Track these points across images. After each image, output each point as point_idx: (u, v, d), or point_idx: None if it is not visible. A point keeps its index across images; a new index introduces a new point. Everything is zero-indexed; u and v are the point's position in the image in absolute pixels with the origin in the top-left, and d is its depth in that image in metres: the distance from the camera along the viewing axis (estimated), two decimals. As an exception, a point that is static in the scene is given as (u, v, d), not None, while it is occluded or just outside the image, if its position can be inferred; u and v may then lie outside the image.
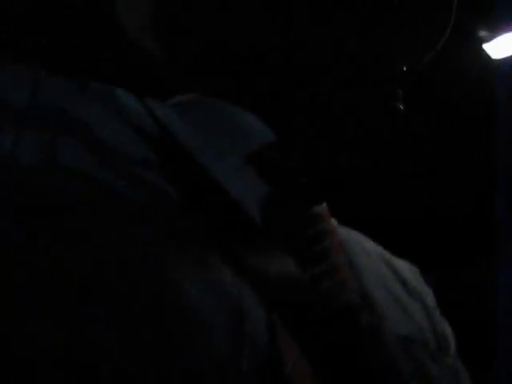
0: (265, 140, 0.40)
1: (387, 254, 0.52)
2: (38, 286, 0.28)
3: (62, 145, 0.32)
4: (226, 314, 0.31)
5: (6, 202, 0.30)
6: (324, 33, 0.39)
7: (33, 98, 0.34)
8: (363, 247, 0.49)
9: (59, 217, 0.30)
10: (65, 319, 0.28)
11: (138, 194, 0.33)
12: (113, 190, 0.32)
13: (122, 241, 0.31)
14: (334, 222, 0.45)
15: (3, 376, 0.27)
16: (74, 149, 0.33)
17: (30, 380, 0.27)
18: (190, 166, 0.36)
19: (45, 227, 0.30)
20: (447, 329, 0.52)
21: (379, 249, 0.52)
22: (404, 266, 0.53)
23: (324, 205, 0.42)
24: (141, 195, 0.33)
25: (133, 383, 0.28)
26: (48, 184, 0.31)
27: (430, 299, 0.52)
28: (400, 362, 0.39)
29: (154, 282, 0.30)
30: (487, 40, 1.80)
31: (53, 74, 0.37)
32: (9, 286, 0.28)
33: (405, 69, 0.43)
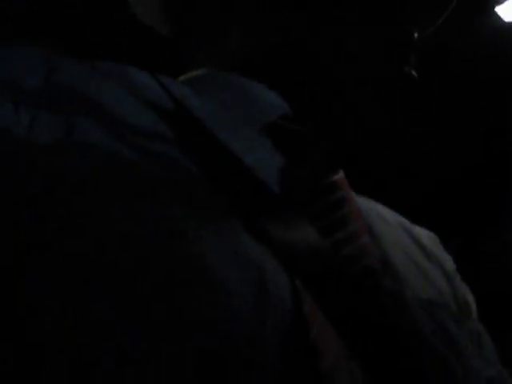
0: (278, 110, 0.40)
1: (405, 221, 0.52)
2: (46, 270, 0.28)
3: (77, 123, 0.33)
4: (250, 283, 0.31)
5: (20, 184, 0.30)
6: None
7: (47, 79, 0.34)
8: (381, 214, 0.49)
9: (70, 197, 0.30)
10: (70, 301, 0.28)
11: (156, 169, 0.33)
12: (128, 165, 0.32)
13: (125, 215, 0.30)
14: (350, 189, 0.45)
15: (12, 361, 0.27)
16: (90, 127, 0.33)
17: (37, 364, 0.27)
18: (208, 140, 0.37)
19: (56, 208, 0.29)
20: (468, 294, 0.52)
21: (397, 216, 0.52)
22: (422, 233, 0.53)
23: (341, 173, 0.42)
24: (159, 170, 0.33)
25: (135, 362, 0.28)
26: (63, 164, 0.31)
27: (450, 265, 0.52)
28: (423, 324, 0.40)
29: (167, 257, 0.30)
30: (500, 2, 1.76)
31: (65, 54, 0.37)
32: (18, 270, 0.28)
33: (416, 35, 0.42)
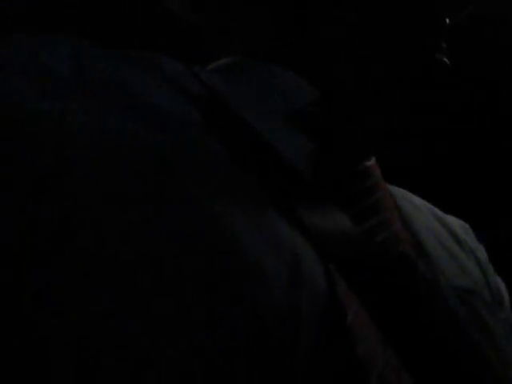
0: (307, 97, 0.40)
1: (436, 209, 0.52)
2: (52, 264, 0.28)
3: (108, 111, 0.32)
4: (283, 267, 0.31)
5: (34, 172, 0.29)
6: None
7: (78, 67, 0.34)
8: (411, 201, 0.49)
9: (75, 189, 0.29)
10: (74, 295, 0.28)
11: (184, 154, 0.33)
12: (157, 151, 0.32)
13: (126, 205, 0.29)
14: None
15: (18, 357, 0.27)
16: (121, 114, 0.33)
17: (44, 359, 0.27)
18: (237, 125, 0.36)
19: (62, 201, 0.29)
20: (501, 283, 0.51)
21: (427, 204, 0.52)
22: (454, 221, 0.52)
23: (373, 159, 0.42)
24: (187, 155, 0.33)
25: (135, 358, 0.27)
26: (91, 152, 0.31)
27: (482, 254, 0.51)
28: (457, 311, 0.39)
29: (173, 248, 0.29)
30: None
31: (94, 43, 0.37)
32: (24, 263, 0.28)
33: (447, 21, 0.42)
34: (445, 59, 0.41)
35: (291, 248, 0.32)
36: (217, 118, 0.36)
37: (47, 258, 0.28)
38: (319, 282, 0.32)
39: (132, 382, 0.27)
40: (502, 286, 0.51)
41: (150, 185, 0.31)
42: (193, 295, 0.29)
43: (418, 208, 0.48)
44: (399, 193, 0.48)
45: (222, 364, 0.28)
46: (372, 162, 0.42)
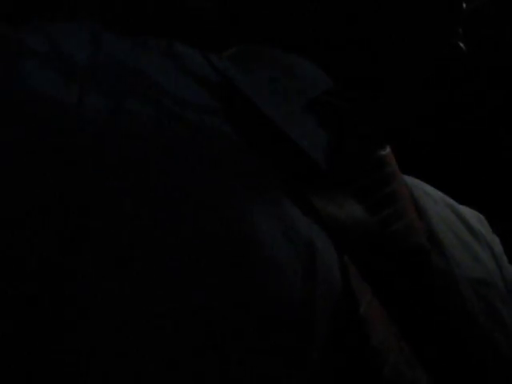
0: (322, 86, 0.39)
1: (450, 200, 0.51)
2: (86, 269, 0.28)
3: (123, 99, 0.32)
4: (299, 259, 0.31)
5: (62, 161, 0.30)
6: None
7: (95, 54, 0.34)
8: (426, 192, 0.49)
9: (105, 180, 0.30)
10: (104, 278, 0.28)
11: (204, 143, 0.33)
12: (173, 140, 0.32)
13: (139, 199, 0.30)
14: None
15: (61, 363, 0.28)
16: (136, 102, 0.33)
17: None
18: (253, 113, 0.36)
19: (88, 190, 0.29)
20: None
21: (441, 194, 0.51)
22: (468, 212, 0.52)
23: (388, 149, 0.42)
24: (207, 144, 0.33)
25: (157, 357, 0.28)
26: (108, 144, 0.31)
27: (497, 245, 0.51)
28: (472, 303, 0.39)
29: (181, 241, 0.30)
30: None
31: (110, 30, 0.37)
32: (63, 270, 0.28)
33: (464, 6, 0.41)
34: (461, 45, 0.40)
35: (306, 237, 0.32)
36: (232, 106, 0.36)
37: (82, 264, 0.28)
38: (333, 272, 0.32)
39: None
40: None
41: (166, 175, 0.31)
42: (206, 281, 0.29)
43: (431, 197, 0.48)
44: (413, 182, 0.48)
45: (235, 350, 0.28)
46: (387, 151, 0.41)
